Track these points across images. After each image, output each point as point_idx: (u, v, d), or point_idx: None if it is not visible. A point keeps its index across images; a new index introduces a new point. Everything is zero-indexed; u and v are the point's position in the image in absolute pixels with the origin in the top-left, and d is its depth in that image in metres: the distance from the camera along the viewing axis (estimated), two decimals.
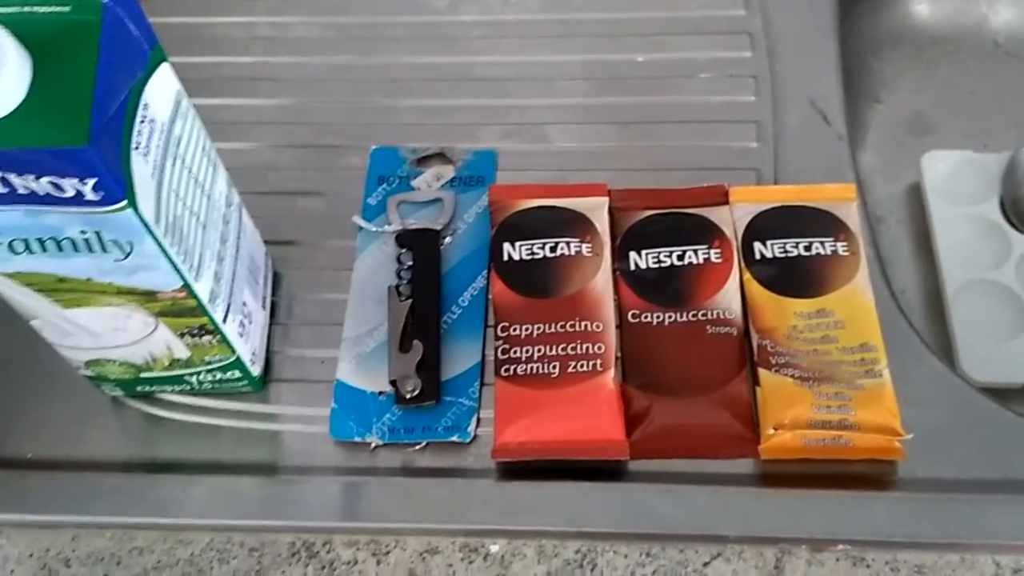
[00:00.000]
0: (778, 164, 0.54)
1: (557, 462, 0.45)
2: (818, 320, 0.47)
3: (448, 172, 0.55)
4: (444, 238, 0.52)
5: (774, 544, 0.43)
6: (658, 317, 0.48)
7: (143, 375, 0.46)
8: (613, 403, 0.46)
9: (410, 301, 0.49)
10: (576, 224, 0.51)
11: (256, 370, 0.48)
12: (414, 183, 0.55)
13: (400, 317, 0.49)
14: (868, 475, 0.45)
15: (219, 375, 0.47)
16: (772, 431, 0.44)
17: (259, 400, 0.50)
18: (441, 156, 0.56)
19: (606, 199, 0.51)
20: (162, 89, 0.38)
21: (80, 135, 0.32)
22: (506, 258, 0.50)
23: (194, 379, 0.47)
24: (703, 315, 0.48)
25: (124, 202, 0.35)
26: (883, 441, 0.44)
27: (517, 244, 0.50)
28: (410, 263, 0.51)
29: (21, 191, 0.34)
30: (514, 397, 0.46)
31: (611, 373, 0.46)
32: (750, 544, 0.44)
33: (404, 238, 0.52)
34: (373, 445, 0.47)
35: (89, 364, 0.46)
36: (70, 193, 0.34)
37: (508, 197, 0.52)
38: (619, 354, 0.47)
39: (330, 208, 0.55)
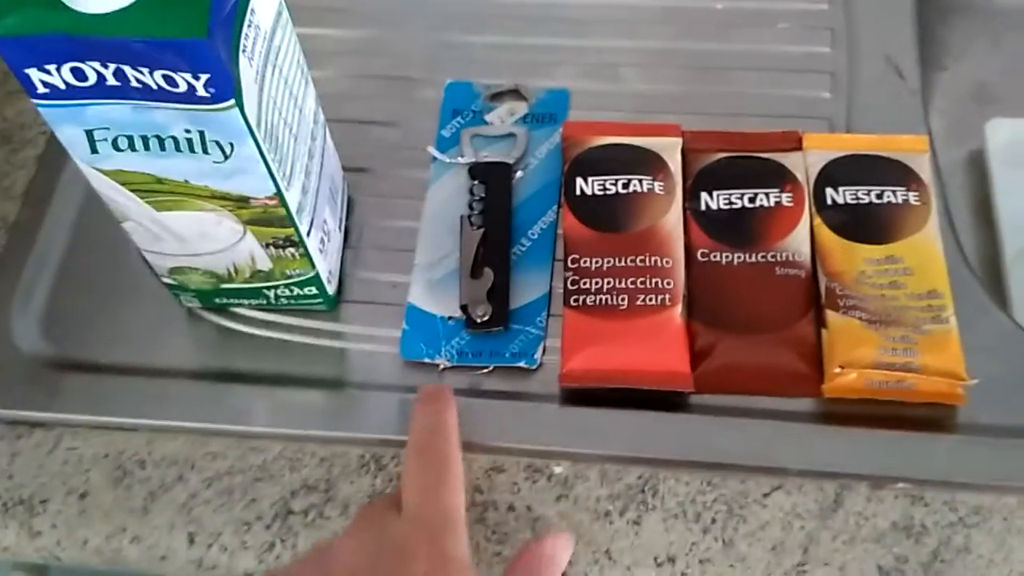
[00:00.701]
0: (851, 115, 0.54)
1: (621, 391, 0.46)
2: (887, 266, 0.48)
3: (521, 108, 0.56)
4: (516, 172, 0.53)
5: (834, 479, 0.44)
6: (727, 257, 0.49)
7: (223, 286, 0.48)
8: (680, 336, 0.47)
9: (482, 230, 0.50)
10: (649, 162, 0.51)
11: (331, 289, 0.50)
12: (487, 117, 0.55)
13: (472, 245, 0.50)
14: (929, 418, 0.45)
15: (296, 291, 0.48)
16: (838, 370, 0.45)
17: (331, 319, 0.51)
18: (515, 92, 0.56)
19: (679, 139, 0.52)
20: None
21: (200, 28, 0.33)
22: (578, 192, 0.51)
23: (272, 293, 0.48)
24: (772, 256, 0.48)
25: (232, 100, 0.36)
26: (946, 385, 0.45)
27: (590, 179, 0.51)
28: (482, 195, 0.52)
29: (134, 84, 0.35)
30: (582, 326, 0.47)
31: (679, 308, 0.47)
32: (810, 478, 0.44)
33: (477, 170, 0.53)
34: (441, 367, 0.48)
35: (172, 272, 0.47)
36: (182, 88, 0.35)
37: (582, 133, 0.53)
38: (686, 291, 0.48)
39: (404, 138, 0.56)
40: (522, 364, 0.47)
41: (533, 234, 0.51)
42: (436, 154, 0.54)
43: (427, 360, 0.48)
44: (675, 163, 0.51)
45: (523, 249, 0.51)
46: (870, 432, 0.45)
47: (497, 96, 0.56)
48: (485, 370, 0.48)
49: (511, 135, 0.54)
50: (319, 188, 0.47)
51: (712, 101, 0.56)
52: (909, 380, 0.45)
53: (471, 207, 0.52)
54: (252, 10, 0.37)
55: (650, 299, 0.47)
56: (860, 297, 0.47)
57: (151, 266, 0.52)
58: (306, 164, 0.45)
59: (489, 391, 0.48)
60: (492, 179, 0.52)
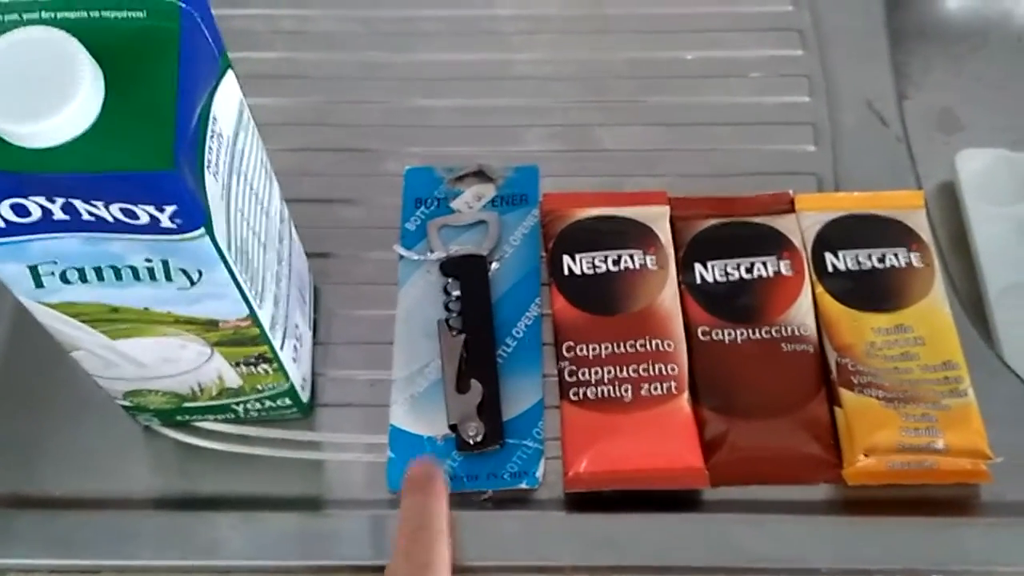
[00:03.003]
0: (838, 169, 0.52)
1: (631, 491, 0.43)
2: (897, 336, 0.45)
3: (489, 191, 0.52)
4: (491, 264, 0.49)
5: (867, 575, 0.42)
6: (729, 334, 0.46)
7: (186, 404, 0.43)
8: (690, 428, 0.44)
9: (463, 336, 0.46)
10: (638, 235, 0.48)
11: (305, 395, 0.45)
12: (453, 204, 0.51)
13: (455, 354, 0.46)
14: (955, 499, 0.43)
15: (268, 403, 0.44)
16: (861, 458, 0.42)
17: (304, 427, 0.46)
18: (480, 174, 0.52)
19: (667, 208, 0.49)
20: (228, 100, 0.34)
21: (165, 158, 0.29)
22: (567, 272, 0.47)
23: (240, 408, 0.44)
24: (776, 332, 0.46)
25: (201, 229, 0.31)
26: (971, 465, 0.43)
27: (577, 256, 0.48)
28: (458, 293, 0.48)
29: (86, 217, 0.31)
30: (585, 423, 0.44)
31: (686, 395, 0.44)
32: None
33: (449, 266, 0.49)
34: None
35: (128, 395, 0.42)
36: (143, 220, 0.31)
37: (564, 206, 0.49)
38: (689, 373, 0.45)
39: (367, 216, 0.52)
40: (523, 486, 0.44)
41: (518, 332, 0.47)
42: (403, 252, 0.50)
43: None
44: (665, 233, 0.48)
45: (508, 350, 0.47)
46: (897, 520, 0.43)
47: (461, 179, 0.52)
48: (484, 496, 0.44)
49: (481, 222, 0.50)
50: (289, 293, 0.42)
51: (691, 160, 0.53)
52: (931, 460, 0.43)
53: (448, 308, 0.48)
54: (214, 119, 0.33)
55: (655, 388, 0.44)
56: (873, 372, 0.44)
57: (97, 381, 0.47)
58: (276, 271, 0.40)
59: (489, 499, 0.44)
60: (467, 275, 0.48)
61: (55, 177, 0.29)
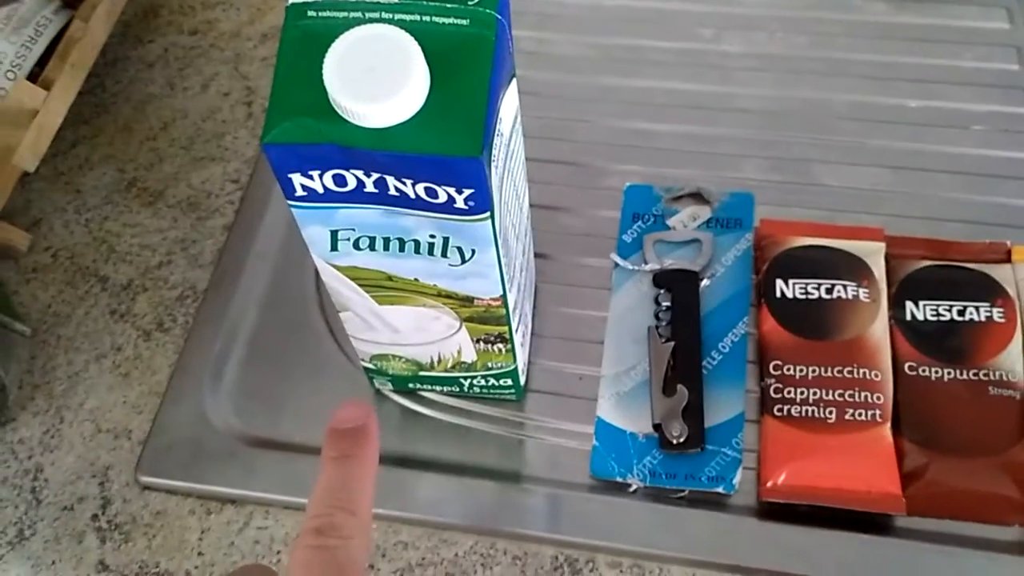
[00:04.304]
0: None
1: (824, 508, 0.45)
2: None
3: (704, 212, 0.55)
4: (702, 280, 0.52)
5: None
6: (936, 372, 0.47)
7: (421, 373, 0.48)
8: (890, 456, 0.45)
9: (671, 343, 0.49)
10: (852, 267, 0.50)
11: (522, 379, 0.49)
12: (669, 222, 0.54)
13: (663, 359, 0.49)
14: None
15: (492, 381, 0.48)
16: None
17: (516, 408, 0.50)
18: (697, 196, 0.55)
19: (883, 244, 0.51)
20: (510, 103, 0.39)
21: (475, 147, 0.33)
22: (778, 295, 0.50)
23: (467, 382, 0.48)
24: (984, 375, 0.47)
25: (487, 213, 0.36)
26: None
27: (791, 281, 0.50)
28: (668, 304, 0.51)
29: (392, 193, 0.35)
30: (787, 438, 0.46)
31: (888, 425, 0.46)
32: None
33: (662, 278, 0.52)
34: (633, 487, 0.47)
35: (375, 358, 0.47)
36: (441, 199, 0.35)
37: (779, 233, 0.52)
38: (893, 405, 0.47)
39: (587, 226, 0.56)
40: (719, 490, 0.46)
41: (724, 347, 0.50)
42: (619, 261, 0.53)
43: (619, 479, 0.47)
44: (879, 269, 0.50)
45: (714, 363, 0.49)
46: None
47: (678, 199, 0.55)
48: (680, 494, 0.47)
49: (695, 240, 0.53)
50: (524, 283, 0.47)
51: (907, 202, 0.54)
52: None
53: (658, 317, 0.51)
54: (500, 119, 0.37)
55: (859, 414, 0.46)
56: None
57: (338, 343, 0.52)
58: (520, 262, 0.44)
59: (684, 496, 0.47)
60: (678, 288, 0.51)
61: (379, 154, 0.34)
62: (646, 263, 0.53)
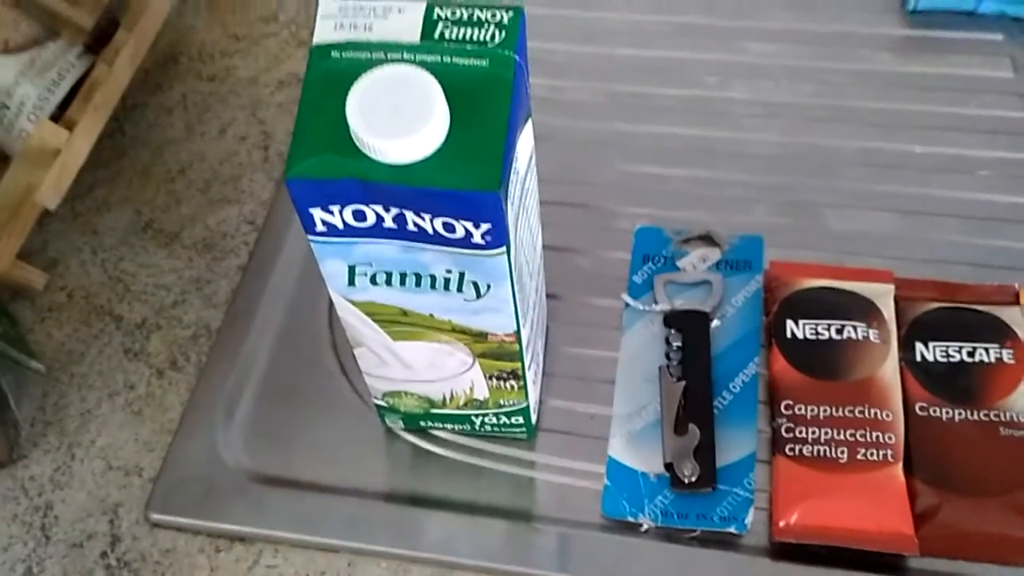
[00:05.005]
0: None
1: (836, 548, 0.45)
2: None
3: (714, 255, 0.55)
4: (713, 321, 0.52)
5: None
6: (947, 413, 0.47)
7: (433, 411, 0.48)
8: (903, 496, 0.45)
9: (683, 383, 0.50)
10: (861, 308, 0.50)
11: (534, 418, 0.49)
12: (680, 263, 0.55)
13: (674, 398, 0.49)
14: None
15: (504, 419, 0.48)
16: None
17: (527, 448, 0.50)
18: (707, 238, 0.56)
19: (892, 286, 0.51)
20: (525, 143, 0.40)
21: (493, 181, 0.34)
22: (789, 335, 0.50)
23: (479, 420, 0.48)
24: (995, 416, 0.47)
25: (503, 248, 0.36)
26: None
27: (801, 322, 0.50)
28: (679, 344, 0.51)
29: (410, 227, 0.36)
30: (799, 477, 0.46)
31: (900, 465, 0.46)
32: None
33: (672, 319, 0.52)
34: (645, 527, 0.47)
35: (387, 395, 0.47)
36: (459, 235, 0.36)
37: (789, 274, 0.52)
38: (904, 445, 0.47)
39: (598, 267, 0.56)
40: (732, 530, 0.46)
41: (735, 387, 0.50)
42: (630, 301, 0.54)
43: (630, 519, 0.47)
44: (888, 310, 0.50)
45: (725, 403, 0.50)
46: None
47: (688, 241, 0.56)
48: (692, 534, 0.46)
49: (705, 282, 0.54)
50: (536, 321, 0.47)
51: (914, 246, 0.55)
52: None
53: (669, 357, 0.51)
54: (516, 157, 0.38)
55: (871, 454, 0.46)
56: None
57: (350, 382, 0.52)
58: (533, 300, 0.45)
59: (694, 536, 0.47)
60: (689, 328, 0.52)
61: (399, 189, 0.34)
62: (657, 303, 0.53)
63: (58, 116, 0.56)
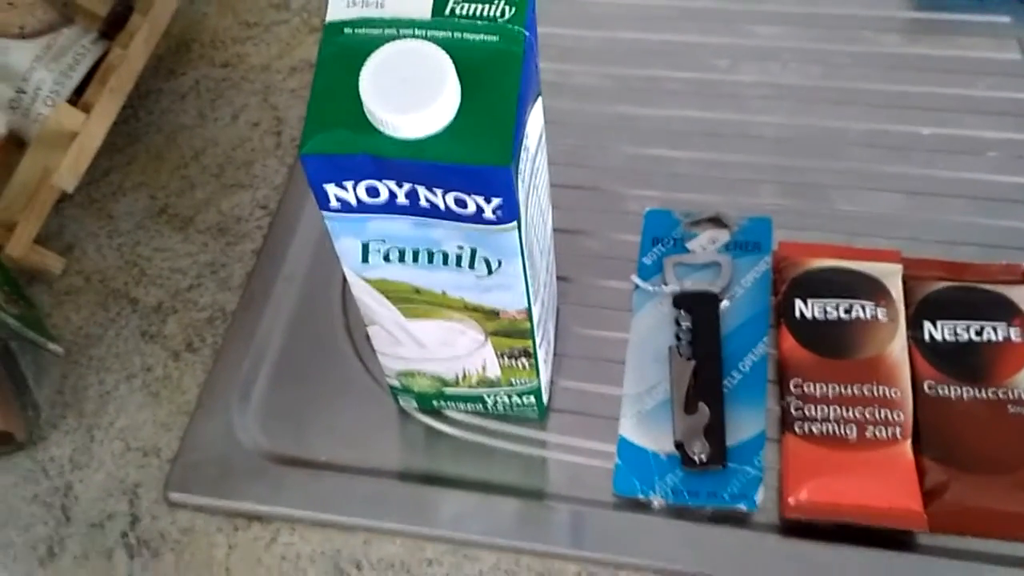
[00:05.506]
0: None
1: (846, 524, 0.45)
2: None
3: (723, 236, 0.56)
4: (722, 301, 0.53)
5: None
6: (955, 391, 0.48)
7: (446, 390, 0.48)
8: (911, 473, 0.46)
9: (692, 363, 0.50)
10: (870, 288, 0.51)
11: (545, 398, 0.50)
12: (689, 245, 0.55)
13: (684, 378, 0.50)
14: None
15: (516, 399, 0.49)
16: None
17: (538, 427, 0.51)
18: (715, 220, 0.56)
19: (900, 266, 0.51)
20: (535, 120, 0.40)
21: (505, 156, 0.34)
22: (798, 315, 0.50)
23: (491, 400, 0.49)
24: (1003, 394, 0.47)
25: (514, 223, 0.37)
26: None
27: (809, 301, 0.51)
28: (688, 324, 0.52)
29: (422, 203, 0.37)
30: (809, 455, 0.46)
31: (909, 442, 0.46)
32: None
33: (682, 300, 0.53)
34: (656, 505, 0.47)
35: (401, 374, 0.48)
36: (470, 210, 0.36)
37: (798, 255, 0.53)
38: (912, 423, 0.47)
39: (607, 249, 0.57)
40: (741, 507, 0.46)
41: (744, 367, 0.50)
42: (639, 283, 0.54)
43: (641, 497, 0.47)
44: (896, 290, 0.51)
45: (734, 382, 0.50)
46: None
47: (697, 223, 0.56)
48: (703, 511, 0.47)
49: (715, 263, 0.54)
50: (547, 301, 0.47)
51: (922, 227, 0.55)
52: None
53: (679, 338, 0.51)
54: (527, 134, 0.38)
55: (880, 431, 0.46)
56: None
57: (364, 363, 0.53)
58: (544, 278, 0.45)
59: (705, 513, 0.47)
60: (698, 309, 0.52)
61: (411, 164, 0.35)
62: (666, 285, 0.54)
63: (74, 101, 0.56)
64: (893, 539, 0.45)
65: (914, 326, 0.50)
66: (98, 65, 0.57)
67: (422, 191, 0.36)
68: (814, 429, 0.47)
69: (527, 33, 0.36)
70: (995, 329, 0.49)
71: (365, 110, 0.34)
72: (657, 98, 0.62)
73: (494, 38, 0.35)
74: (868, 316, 0.50)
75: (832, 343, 0.49)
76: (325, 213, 0.38)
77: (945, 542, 0.45)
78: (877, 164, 0.58)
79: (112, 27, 0.59)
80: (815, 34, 0.64)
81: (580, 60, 0.65)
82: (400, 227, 0.38)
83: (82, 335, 0.56)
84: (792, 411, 0.48)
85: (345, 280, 0.42)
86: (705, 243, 0.56)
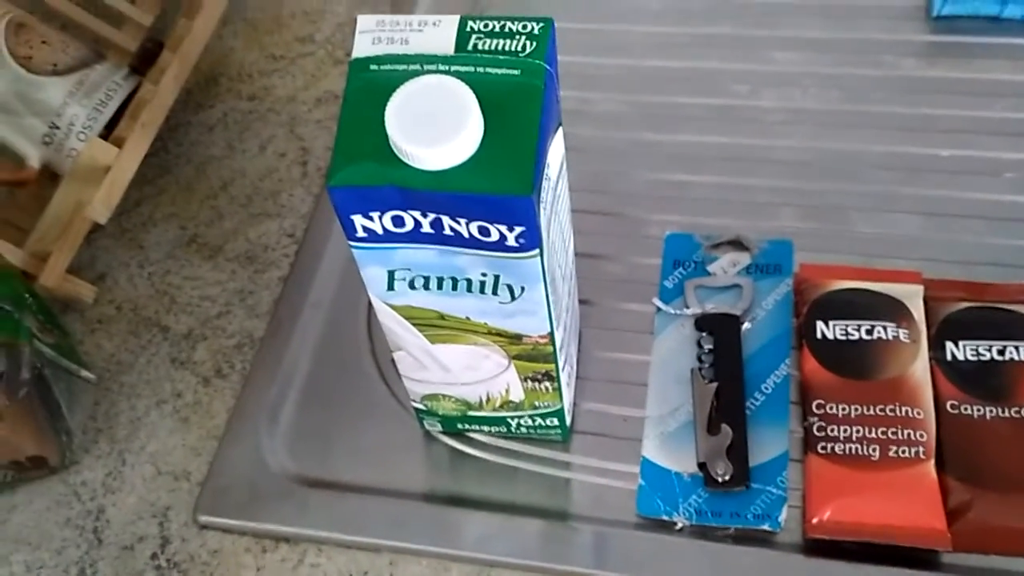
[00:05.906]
0: None
1: (869, 544, 0.45)
2: None
3: (744, 259, 0.56)
4: (743, 324, 0.53)
5: None
6: (978, 410, 0.48)
7: (470, 413, 0.49)
8: (935, 492, 0.46)
9: (715, 384, 0.51)
10: (891, 309, 0.51)
11: (568, 420, 0.50)
12: (710, 268, 0.56)
13: (706, 399, 0.50)
14: None
15: (539, 421, 0.49)
16: None
17: (561, 449, 0.51)
18: (736, 243, 0.57)
19: (921, 287, 0.52)
20: (556, 149, 0.41)
21: (527, 186, 0.35)
22: (819, 336, 0.51)
23: (515, 422, 0.50)
24: None
25: (537, 250, 0.38)
26: None
27: (831, 323, 0.51)
28: (710, 347, 0.52)
29: (447, 232, 0.37)
30: (832, 475, 0.47)
31: (932, 462, 0.46)
32: None
33: (704, 322, 0.53)
34: (679, 525, 0.48)
35: (426, 398, 0.49)
36: (493, 238, 0.37)
37: (819, 276, 0.53)
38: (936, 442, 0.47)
39: (629, 273, 0.57)
40: (765, 527, 0.47)
41: (766, 388, 0.51)
42: (661, 305, 0.55)
43: (665, 518, 0.48)
44: (918, 311, 0.51)
45: (757, 403, 0.50)
46: None
47: (718, 246, 0.57)
48: (726, 531, 0.47)
49: (736, 286, 0.55)
50: (569, 325, 0.48)
51: (941, 248, 0.55)
52: None
53: (700, 360, 0.52)
54: (548, 164, 0.39)
55: (903, 451, 0.47)
56: None
57: (389, 387, 0.54)
58: (566, 303, 0.46)
59: (728, 534, 0.47)
60: (720, 331, 0.53)
61: (436, 195, 0.36)
62: (688, 307, 0.54)
63: (105, 135, 0.58)
64: (917, 558, 0.45)
65: (936, 346, 0.50)
66: (129, 100, 0.59)
67: (446, 220, 0.37)
68: (837, 449, 0.47)
69: (548, 67, 0.37)
70: (1017, 349, 0.49)
71: (391, 143, 0.35)
72: (678, 124, 0.63)
73: (516, 72, 0.37)
74: (890, 337, 0.50)
75: (854, 364, 0.50)
76: (352, 243, 0.39)
77: (969, 561, 0.45)
78: (896, 186, 0.58)
79: (143, 63, 0.60)
80: (834, 59, 0.64)
81: (601, 87, 0.65)
82: (425, 255, 0.39)
83: (114, 362, 0.57)
84: (815, 431, 0.48)
85: (370, 306, 0.43)
86: (726, 266, 0.56)
